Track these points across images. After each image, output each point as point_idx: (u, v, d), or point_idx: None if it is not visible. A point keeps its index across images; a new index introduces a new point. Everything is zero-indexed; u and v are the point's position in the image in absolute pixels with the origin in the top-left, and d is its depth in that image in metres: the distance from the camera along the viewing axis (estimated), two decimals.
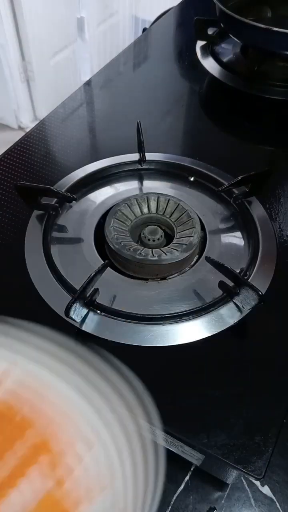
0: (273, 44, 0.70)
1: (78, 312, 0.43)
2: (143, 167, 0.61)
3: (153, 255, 0.48)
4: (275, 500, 0.41)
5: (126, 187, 0.59)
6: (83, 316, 0.44)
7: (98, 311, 0.45)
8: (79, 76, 1.82)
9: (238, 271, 0.46)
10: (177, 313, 0.44)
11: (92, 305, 0.44)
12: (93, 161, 0.61)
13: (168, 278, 0.50)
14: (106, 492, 0.28)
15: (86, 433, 0.29)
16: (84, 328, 0.43)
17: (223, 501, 0.41)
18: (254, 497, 0.41)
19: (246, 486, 0.42)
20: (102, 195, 0.58)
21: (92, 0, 1.65)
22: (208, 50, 0.84)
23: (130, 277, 0.49)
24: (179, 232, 0.52)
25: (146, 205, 0.54)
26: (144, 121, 0.61)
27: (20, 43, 1.60)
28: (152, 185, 0.60)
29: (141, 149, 0.60)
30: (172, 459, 0.42)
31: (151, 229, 0.52)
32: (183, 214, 0.53)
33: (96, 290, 0.45)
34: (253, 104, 0.74)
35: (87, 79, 0.78)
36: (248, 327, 0.45)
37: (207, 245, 0.52)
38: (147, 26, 1.01)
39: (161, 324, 0.44)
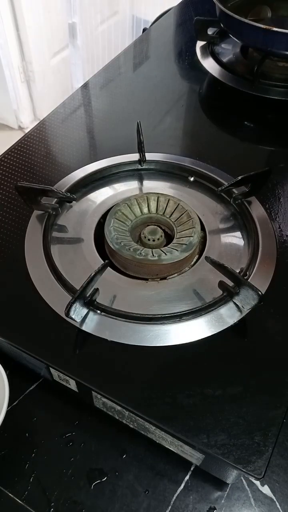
0: (273, 44, 0.70)
1: (78, 312, 0.43)
2: (143, 167, 0.61)
3: (153, 255, 0.48)
4: (275, 500, 0.41)
5: (126, 187, 0.59)
6: (83, 316, 0.44)
7: (98, 311, 0.45)
8: (71, 83, 1.81)
9: (238, 271, 0.46)
10: (177, 313, 0.44)
11: (92, 305, 0.44)
12: (93, 161, 0.61)
13: (168, 278, 0.50)
14: None
15: None
16: (84, 328, 0.43)
17: (223, 501, 0.41)
18: (254, 497, 0.41)
19: (246, 486, 0.42)
20: (102, 195, 0.58)
21: (85, 5, 1.62)
22: (208, 50, 0.84)
23: (130, 277, 0.49)
24: (179, 232, 0.52)
25: (146, 205, 0.54)
26: (144, 121, 0.61)
27: (20, 43, 1.60)
28: (152, 185, 0.60)
29: (141, 149, 0.60)
30: (172, 459, 0.42)
31: (151, 229, 0.52)
32: (183, 214, 0.53)
33: (96, 290, 0.45)
34: (253, 104, 0.74)
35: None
36: (248, 327, 0.45)
37: (207, 245, 0.52)
38: (147, 26, 1.01)
39: (161, 324, 0.44)
